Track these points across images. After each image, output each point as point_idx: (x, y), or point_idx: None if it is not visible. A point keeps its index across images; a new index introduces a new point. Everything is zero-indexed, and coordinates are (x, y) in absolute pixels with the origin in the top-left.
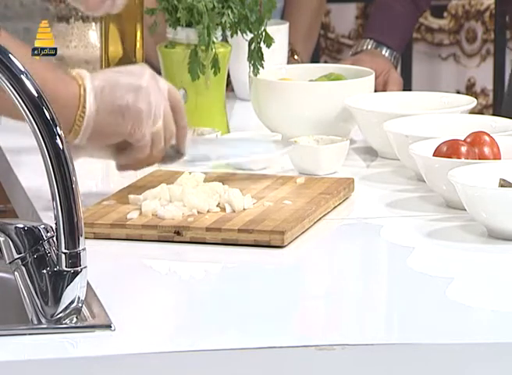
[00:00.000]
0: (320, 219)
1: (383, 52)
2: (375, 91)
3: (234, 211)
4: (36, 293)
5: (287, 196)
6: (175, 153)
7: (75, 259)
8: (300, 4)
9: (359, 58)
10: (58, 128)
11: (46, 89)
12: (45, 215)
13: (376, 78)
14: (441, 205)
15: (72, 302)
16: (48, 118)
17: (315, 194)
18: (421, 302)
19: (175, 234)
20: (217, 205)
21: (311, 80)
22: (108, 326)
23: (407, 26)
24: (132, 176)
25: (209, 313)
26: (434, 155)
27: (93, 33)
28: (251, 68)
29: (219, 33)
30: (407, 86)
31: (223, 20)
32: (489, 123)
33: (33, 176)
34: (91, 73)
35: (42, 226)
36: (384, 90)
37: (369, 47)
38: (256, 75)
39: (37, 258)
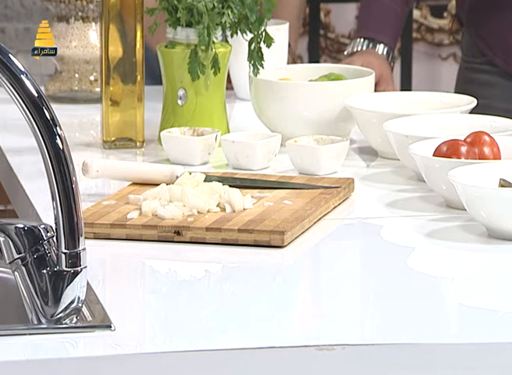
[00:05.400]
0: (320, 219)
1: (378, 50)
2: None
3: (234, 211)
4: (36, 293)
5: (287, 196)
6: None
7: (75, 259)
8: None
9: (351, 61)
10: (58, 128)
11: None
12: (45, 215)
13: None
14: (441, 205)
15: (72, 302)
16: (48, 118)
17: (315, 194)
18: (421, 302)
19: (175, 234)
20: (217, 205)
21: (311, 80)
22: (108, 326)
23: (398, 21)
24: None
25: (209, 313)
26: (434, 155)
27: (93, 33)
28: (251, 68)
29: (219, 33)
30: (407, 86)
31: (223, 20)
32: (489, 123)
33: (33, 176)
34: None
35: (42, 226)
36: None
37: (364, 47)
38: (256, 75)
39: (37, 258)
